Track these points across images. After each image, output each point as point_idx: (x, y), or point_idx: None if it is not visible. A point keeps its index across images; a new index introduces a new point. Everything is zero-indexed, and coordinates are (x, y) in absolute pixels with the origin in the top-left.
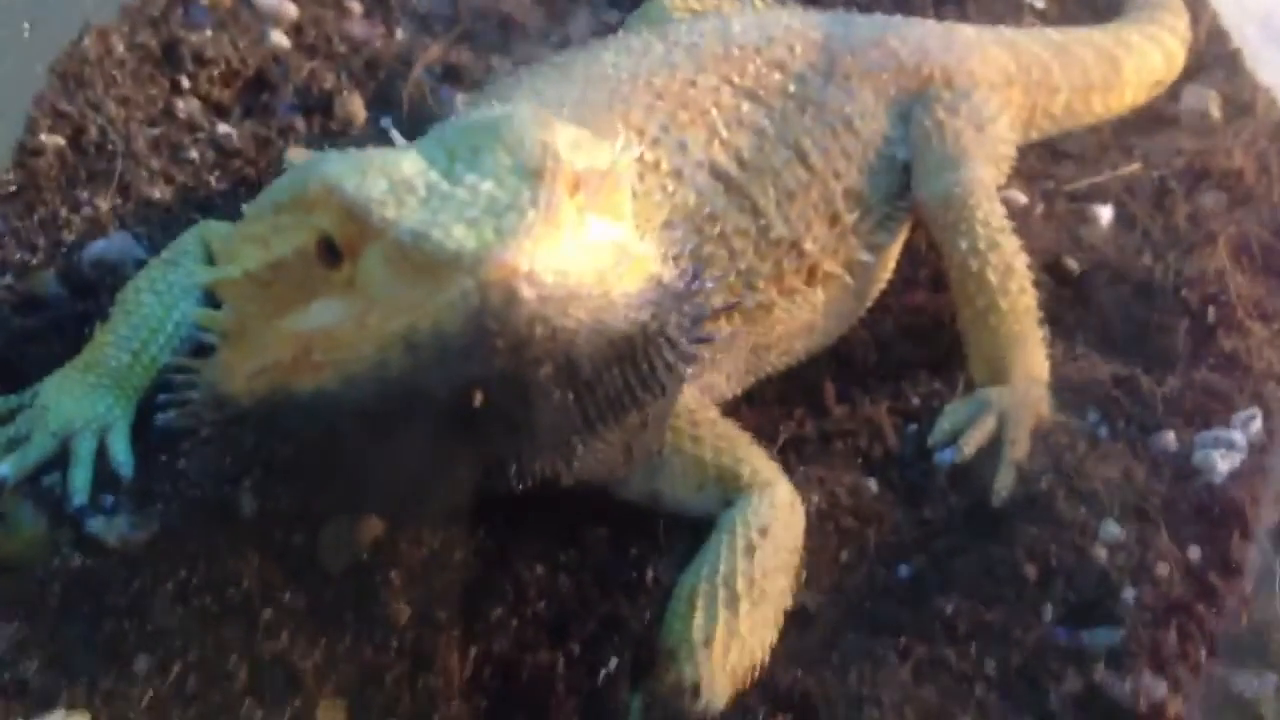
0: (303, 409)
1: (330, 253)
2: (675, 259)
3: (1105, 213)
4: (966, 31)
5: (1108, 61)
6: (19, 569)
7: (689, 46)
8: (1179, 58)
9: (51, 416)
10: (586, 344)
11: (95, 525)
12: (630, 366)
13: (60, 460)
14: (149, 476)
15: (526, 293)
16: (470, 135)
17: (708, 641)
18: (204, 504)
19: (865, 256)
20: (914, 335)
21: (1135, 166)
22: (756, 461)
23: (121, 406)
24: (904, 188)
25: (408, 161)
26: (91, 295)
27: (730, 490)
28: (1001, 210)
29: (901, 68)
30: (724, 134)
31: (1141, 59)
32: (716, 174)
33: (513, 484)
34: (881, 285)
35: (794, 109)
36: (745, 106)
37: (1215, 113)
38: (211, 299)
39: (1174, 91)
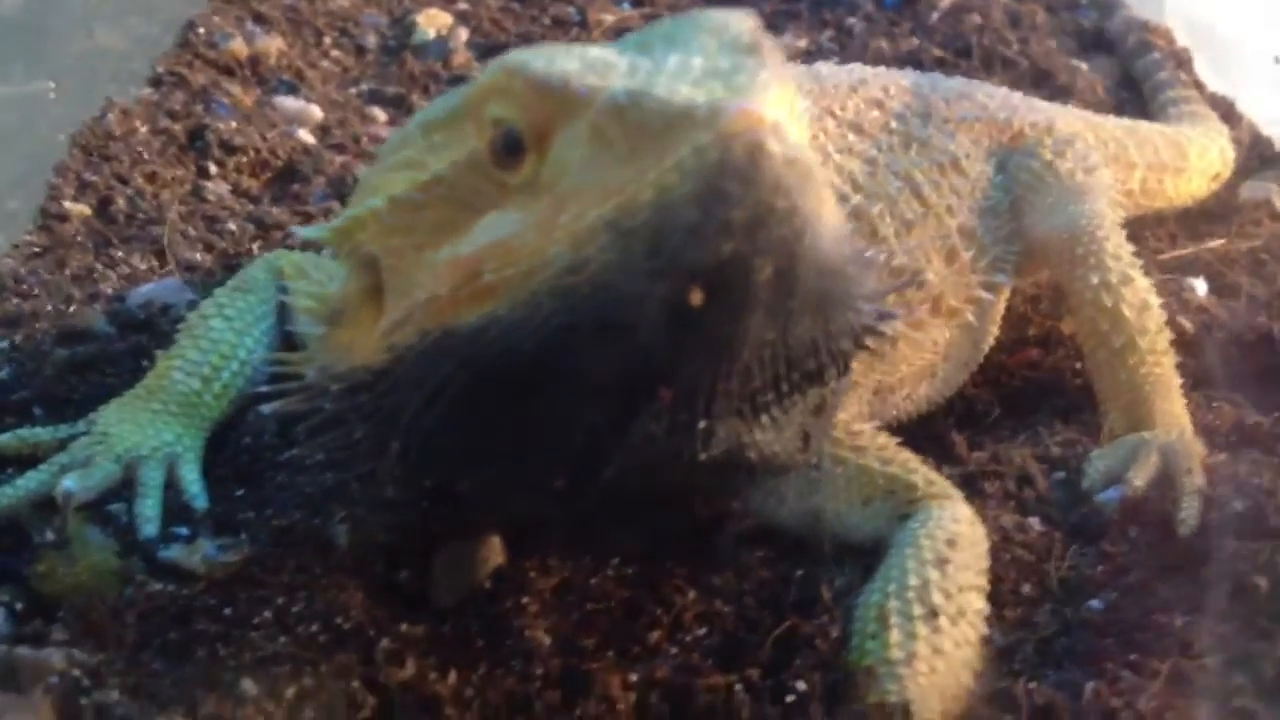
0: (464, 349)
1: (510, 149)
2: None
3: (1200, 284)
4: (1042, 103)
5: (1174, 146)
6: (88, 596)
7: None
8: (1230, 155)
9: (115, 442)
10: (807, 253)
11: (173, 553)
12: (823, 318)
13: (124, 490)
14: (227, 509)
15: (774, 147)
16: (661, 29)
17: (910, 659)
18: (293, 535)
19: (985, 294)
20: (1035, 389)
21: (1221, 241)
22: (929, 473)
23: (191, 437)
24: (1011, 234)
25: (596, 49)
26: (144, 330)
27: (903, 504)
28: (1130, 246)
29: (993, 120)
30: (836, 158)
31: (1202, 149)
32: (835, 195)
33: (698, 448)
34: (993, 336)
35: (899, 144)
36: (851, 137)
37: (1279, 204)
38: (287, 322)
39: (1230, 188)
